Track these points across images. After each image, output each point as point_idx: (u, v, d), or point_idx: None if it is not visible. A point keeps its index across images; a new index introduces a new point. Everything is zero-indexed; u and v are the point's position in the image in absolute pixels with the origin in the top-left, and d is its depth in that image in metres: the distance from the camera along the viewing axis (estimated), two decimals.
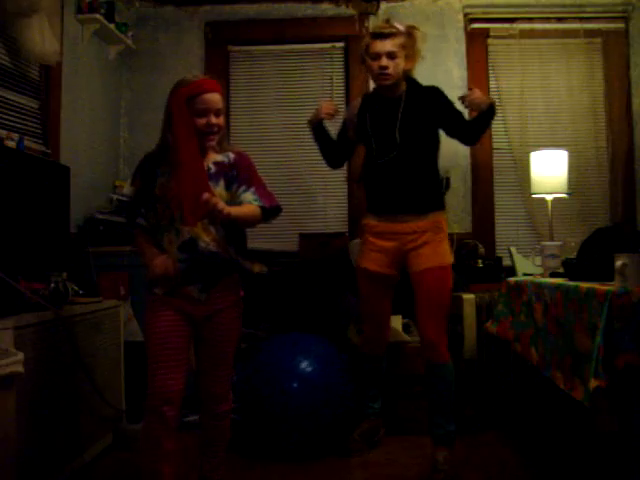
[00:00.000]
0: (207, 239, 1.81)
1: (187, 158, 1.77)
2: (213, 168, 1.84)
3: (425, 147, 2.40)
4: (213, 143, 1.84)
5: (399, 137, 2.35)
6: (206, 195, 1.66)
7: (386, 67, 2.29)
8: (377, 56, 2.30)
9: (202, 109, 1.78)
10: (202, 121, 1.79)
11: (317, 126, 2.53)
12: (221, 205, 1.67)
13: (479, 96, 2.28)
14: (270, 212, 1.88)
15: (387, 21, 2.39)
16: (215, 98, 1.81)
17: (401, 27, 2.33)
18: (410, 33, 2.34)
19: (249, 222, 1.85)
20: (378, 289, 2.46)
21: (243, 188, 1.84)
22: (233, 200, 1.83)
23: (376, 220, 2.43)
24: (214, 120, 1.81)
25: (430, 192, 2.41)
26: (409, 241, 2.36)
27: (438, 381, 2.33)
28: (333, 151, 2.60)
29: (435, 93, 2.42)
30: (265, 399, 2.43)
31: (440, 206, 2.43)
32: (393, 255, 2.39)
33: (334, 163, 2.65)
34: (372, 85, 2.61)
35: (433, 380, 2.35)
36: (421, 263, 2.33)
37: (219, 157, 1.86)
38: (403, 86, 2.40)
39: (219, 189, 1.83)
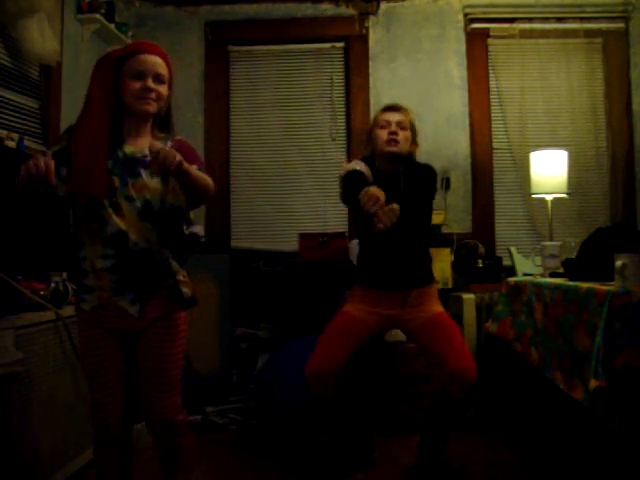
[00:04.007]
0: (137, 235, 1.55)
1: (89, 120, 1.49)
2: (150, 156, 1.48)
3: (424, 222, 2.30)
4: (151, 108, 1.55)
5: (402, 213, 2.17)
6: (155, 143, 1.46)
7: (395, 133, 2.23)
8: (387, 124, 2.25)
9: (137, 70, 1.52)
10: (136, 85, 1.52)
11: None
12: (173, 152, 1.40)
13: None
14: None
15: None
16: (155, 60, 1.55)
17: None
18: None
19: (200, 187, 1.53)
20: (354, 332, 2.23)
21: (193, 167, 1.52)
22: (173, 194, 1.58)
23: (367, 289, 2.29)
24: (152, 85, 1.53)
25: (428, 265, 2.34)
26: (407, 299, 2.24)
27: (456, 415, 2.20)
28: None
29: (428, 172, 2.30)
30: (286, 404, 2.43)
31: (432, 279, 2.35)
32: (387, 312, 2.25)
33: None
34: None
35: (451, 414, 2.19)
36: (422, 315, 2.23)
37: (158, 144, 1.53)
38: (400, 166, 2.29)
39: (154, 182, 1.55)
